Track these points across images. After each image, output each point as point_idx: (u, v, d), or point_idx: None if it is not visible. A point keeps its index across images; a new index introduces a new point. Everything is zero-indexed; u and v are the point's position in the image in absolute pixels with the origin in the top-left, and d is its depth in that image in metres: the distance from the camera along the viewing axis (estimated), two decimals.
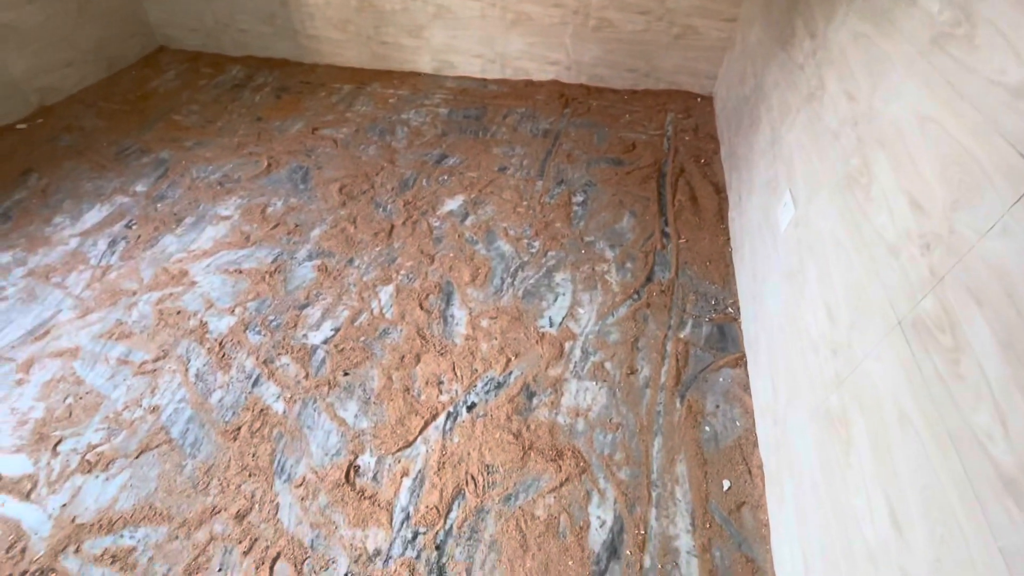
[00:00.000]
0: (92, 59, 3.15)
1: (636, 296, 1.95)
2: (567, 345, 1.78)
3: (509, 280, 2.01)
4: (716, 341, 1.80)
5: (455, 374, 1.69)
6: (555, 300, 1.94)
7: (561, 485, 1.42)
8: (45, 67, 2.89)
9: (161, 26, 3.54)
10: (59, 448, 1.48)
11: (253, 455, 1.47)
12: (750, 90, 2.32)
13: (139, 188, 2.39)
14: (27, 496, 1.38)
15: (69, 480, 1.41)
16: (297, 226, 2.22)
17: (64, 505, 1.36)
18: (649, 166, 2.60)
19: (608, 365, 1.72)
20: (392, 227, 2.23)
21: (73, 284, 1.94)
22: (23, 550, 1.29)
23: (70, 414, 1.56)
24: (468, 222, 2.26)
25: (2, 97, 2.71)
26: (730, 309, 1.91)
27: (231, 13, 3.36)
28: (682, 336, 1.81)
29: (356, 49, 3.37)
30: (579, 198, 2.41)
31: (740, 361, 1.73)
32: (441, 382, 1.66)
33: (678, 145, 2.76)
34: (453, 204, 2.36)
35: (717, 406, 1.61)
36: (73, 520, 1.34)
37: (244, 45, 3.52)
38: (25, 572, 1.25)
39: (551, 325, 1.85)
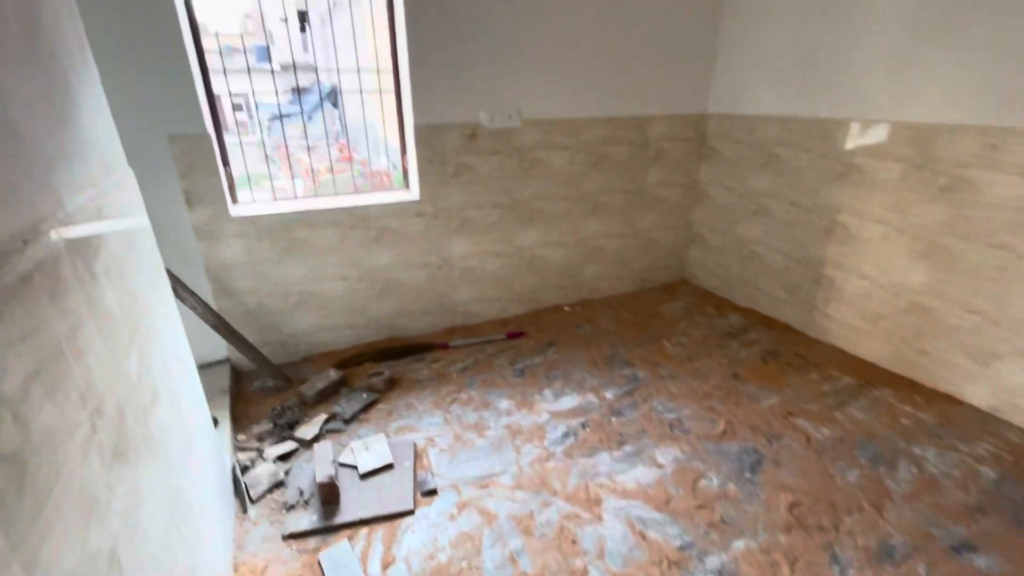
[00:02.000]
0: (632, 277, 4.01)
1: None
2: None
3: None
4: None
5: None
6: None
7: None
8: (603, 275, 3.86)
9: (692, 265, 4.19)
10: None
11: None
12: None
13: (608, 395, 2.70)
14: None
15: None
16: (723, 521, 1.90)
17: None
18: None
19: None
20: None
21: (525, 454, 2.28)
22: None
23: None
24: None
25: (569, 288, 3.76)
26: None
27: (756, 274, 3.60)
28: None
29: (877, 343, 2.92)
30: None
31: None
32: None
33: None
34: None
35: None
36: None
37: (752, 300, 3.67)
38: None
39: None
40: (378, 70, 2.98)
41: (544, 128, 3.23)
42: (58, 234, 0.93)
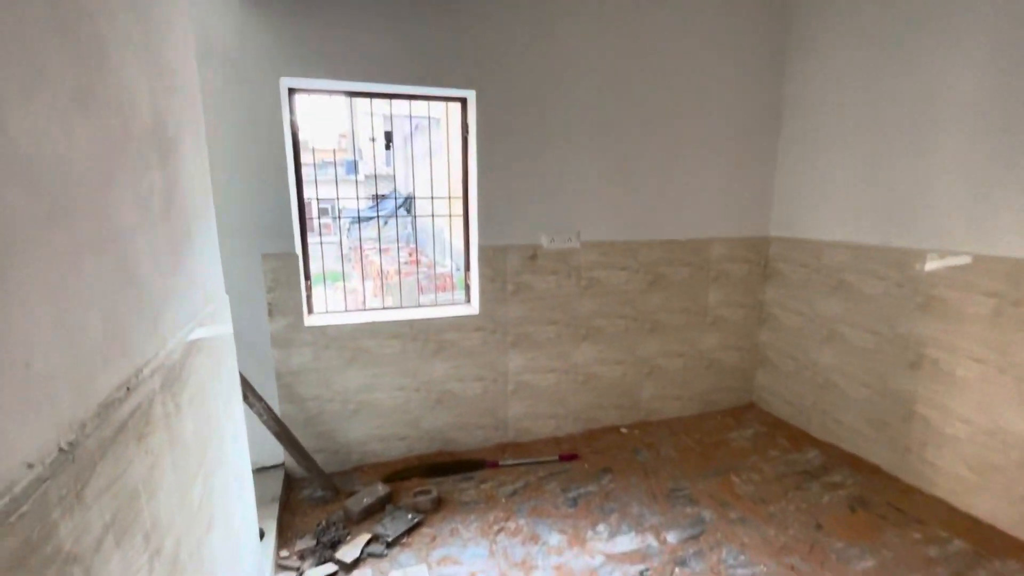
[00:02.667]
0: (694, 398, 3.80)
1: None
2: None
3: None
4: None
5: None
6: None
7: None
8: (663, 395, 3.69)
9: (760, 389, 3.93)
10: None
11: None
12: None
13: (670, 538, 2.44)
14: None
15: None
16: None
17: None
18: None
19: None
20: None
21: None
22: None
23: None
24: None
25: (626, 408, 3.61)
26: None
27: (835, 403, 3.30)
28: None
29: (992, 500, 2.51)
30: None
31: None
32: None
33: None
34: None
35: None
36: None
37: (832, 433, 3.34)
38: None
39: None
40: (449, 197, 3.25)
41: (602, 249, 3.33)
42: (157, 376, 1.03)
